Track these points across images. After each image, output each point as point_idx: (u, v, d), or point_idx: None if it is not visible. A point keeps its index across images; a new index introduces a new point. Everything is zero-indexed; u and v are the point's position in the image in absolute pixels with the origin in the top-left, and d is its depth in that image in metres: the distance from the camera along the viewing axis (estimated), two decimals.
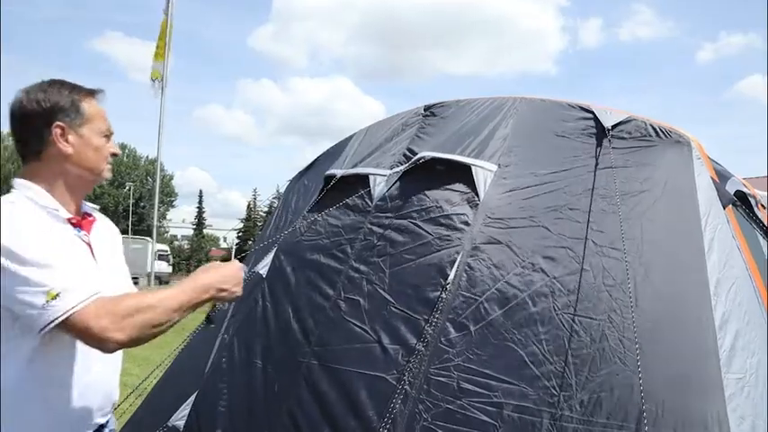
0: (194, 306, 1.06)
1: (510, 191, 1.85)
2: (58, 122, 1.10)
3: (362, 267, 1.90)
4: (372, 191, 2.06)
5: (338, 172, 2.21)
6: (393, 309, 1.77)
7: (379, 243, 1.92)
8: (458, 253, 1.76)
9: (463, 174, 1.91)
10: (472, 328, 1.62)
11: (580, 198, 1.74)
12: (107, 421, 1.19)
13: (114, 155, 1.20)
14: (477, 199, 1.85)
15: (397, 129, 2.32)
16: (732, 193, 1.79)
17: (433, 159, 1.96)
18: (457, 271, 1.72)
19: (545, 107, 2.05)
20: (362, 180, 2.11)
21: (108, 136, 1.18)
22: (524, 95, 2.10)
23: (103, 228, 1.23)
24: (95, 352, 1.01)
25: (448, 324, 1.65)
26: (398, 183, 2.04)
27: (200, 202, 40.63)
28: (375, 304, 1.81)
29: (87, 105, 1.14)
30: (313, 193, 2.32)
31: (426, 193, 1.94)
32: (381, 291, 1.82)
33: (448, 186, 1.92)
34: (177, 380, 1.99)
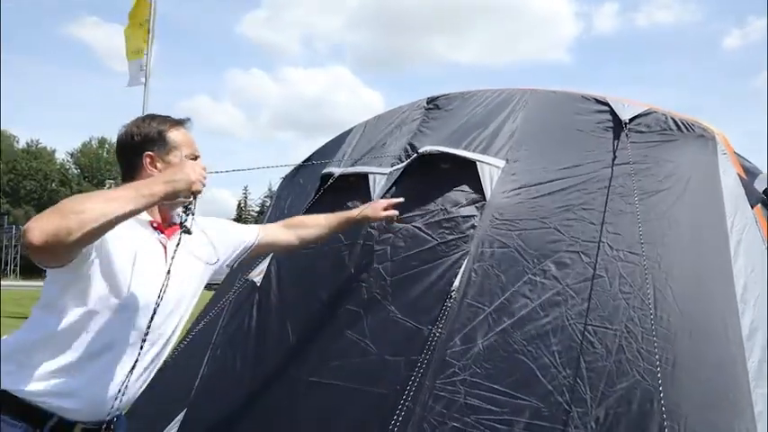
0: (142, 199, 1.11)
1: (519, 188, 1.85)
2: (148, 152, 1.35)
3: (362, 275, 1.90)
4: (372, 191, 2.07)
5: (336, 170, 2.21)
6: (395, 319, 1.77)
7: (379, 248, 1.92)
8: (464, 258, 1.76)
9: (469, 171, 1.91)
10: (479, 340, 1.62)
11: (595, 197, 1.73)
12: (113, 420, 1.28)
13: None
14: (483, 198, 1.85)
15: (398, 123, 2.33)
16: (761, 191, 1.79)
17: (437, 156, 1.96)
18: (462, 278, 1.72)
19: (557, 99, 2.05)
20: (362, 179, 2.11)
21: (194, 158, 1.39)
22: (534, 87, 2.10)
23: (194, 238, 1.36)
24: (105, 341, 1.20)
25: (453, 335, 1.65)
26: (400, 182, 2.05)
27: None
28: (376, 315, 1.81)
29: (174, 135, 1.39)
30: (309, 192, 2.32)
31: (430, 194, 1.94)
32: (382, 300, 1.82)
33: (452, 185, 1.92)
34: (164, 395, 2.01)
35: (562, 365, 1.52)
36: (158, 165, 1.34)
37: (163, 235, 1.34)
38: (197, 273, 1.42)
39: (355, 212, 1.85)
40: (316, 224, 1.80)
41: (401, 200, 1.92)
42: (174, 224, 1.37)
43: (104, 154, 40.21)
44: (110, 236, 1.16)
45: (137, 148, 1.35)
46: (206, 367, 2.09)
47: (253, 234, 1.62)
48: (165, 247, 1.32)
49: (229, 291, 2.16)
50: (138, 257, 1.26)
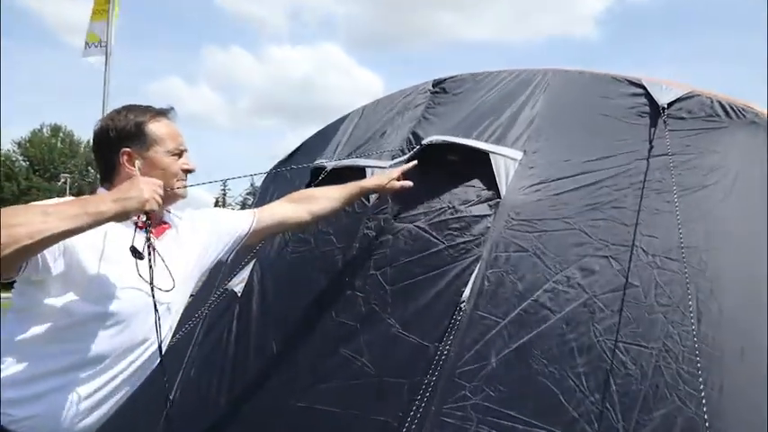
0: (86, 218, 1.13)
1: (538, 184, 1.84)
2: (125, 148, 1.37)
3: (358, 283, 1.89)
4: None
5: (328, 163, 2.20)
6: (396, 335, 1.75)
7: (377, 253, 1.91)
8: (475, 264, 1.75)
9: (481, 164, 1.90)
10: (493, 359, 1.60)
11: (627, 194, 1.71)
12: None
13: (188, 171, 1.45)
14: (497, 195, 1.84)
15: (399, 109, 2.31)
16: None
17: (444, 146, 1.94)
18: (474, 287, 1.71)
19: (584, 81, 2.03)
20: (358, 173, 2.09)
21: (178, 153, 1.43)
22: (557, 67, 2.08)
23: (182, 235, 1.47)
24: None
25: (463, 353, 1.64)
26: (401, 176, 1.98)
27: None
28: (374, 329, 1.79)
29: (154, 127, 1.40)
30: (297, 188, 2.23)
31: (436, 190, 1.92)
32: (381, 312, 1.80)
33: (462, 181, 1.91)
34: (130, 424, 1.99)
35: (589, 389, 1.49)
36: (137, 162, 1.36)
37: (151, 235, 1.36)
38: (188, 273, 1.46)
39: (368, 182, 1.92)
40: (326, 196, 1.83)
41: (415, 163, 1.92)
42: (165, 223, 1.44)
43: (58, 144, 39.13)
44: (81, 242, 1.20)
45: (113, 145, 1.37)
46: (177, 391, 2.08)
47: (246, 221, 1.66)
48: (155, 249, 1.34)
49: (205, 302, 2.16)
50: (122, 263, 1.27)
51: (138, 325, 1.32)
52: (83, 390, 1.27)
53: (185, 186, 1.46)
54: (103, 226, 1.17)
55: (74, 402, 1.26)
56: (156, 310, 1.26)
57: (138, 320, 1.31)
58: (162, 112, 1.44)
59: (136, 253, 1.22)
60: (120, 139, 1.37)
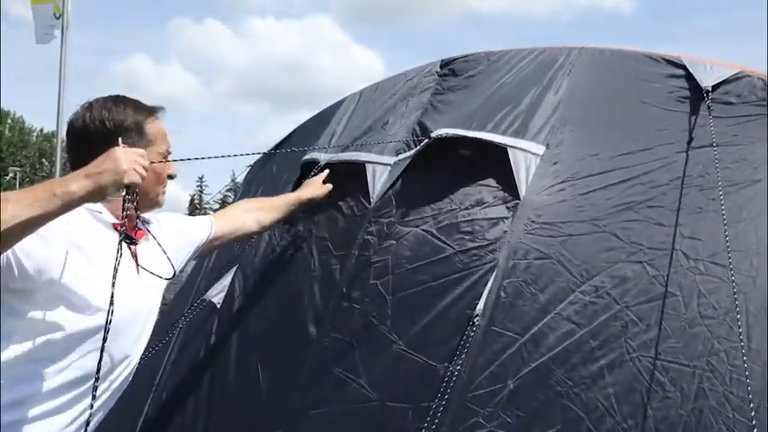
0: (55, 200, 1.13)
1: (563, 182, 1.84)
2: (124, 143, 1.35)
3: (355, 293, 1.88)
4: (371, 187, 2.06)
5: (321, 156, 2.20)
6: (399, 352, 1.75)
7: (378, 260, 1.90)
8: (490, 273, 1.74)
9: (497, 160, 1.89)
10: (510, 380, 1.61)
11: (665, 191, 1.72)
12: None
13: (171, 177, 1.53)
14: (516, 195, 1.84)
15: (403, 94, 2.30)
16: None
17: (454, 139, 1.94)
18: (489, 299, 1.71)
19: (615, 61, 2.03)
20: (356, 170, 2.11)
21: (166, 157, 1.50)
22: (585, 45, 2.09)
23: (154, 240, 1.51)
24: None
25: (476, 374, 1.64)
26: (406, 174, 2.02)
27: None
28: (373, 346, 1.79)
29: (150, 126, 1.46)
30: (285, 185, 2.32)
31: (445, 189, 1.92)
32: (382, 326, 1.80)
33: (475, 179, 1.91)
34: None
35: (622, 414, 1.50)
36: None
37: (137, 212, 1.42)
38: (160, 282, 1.51)
39: (305, 193, 2.08)
40: (273, 206, 1.99)
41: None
42: (140, 229, 1.48)
43: (6, 132, 39.12)
44: (62, 245, 1.23)
45: (109, 138, 1.37)
46: (146, 419, 2.07)
47: (205, 230, 1.76)
48: (135, 255, 1.41)
49: (180, 314, 2.16)
50: (102, 269, 1.28)
51: (125, 338, 1.37)
52: (64, 417, 1.29)
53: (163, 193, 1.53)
54: (84, 227, 1.19)
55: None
56: (111, 304, 1.22)
57: (126, 333, 1.36)
58: (155, 111, 1.50)
59: (129, 239, 1.26)
60: (118, 134, 1.39)
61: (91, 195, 1.17)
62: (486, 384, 1.62)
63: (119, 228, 1.27)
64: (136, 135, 1.43)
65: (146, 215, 1.55)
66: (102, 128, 1.41)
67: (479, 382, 1.63)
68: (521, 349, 1.63)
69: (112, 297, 1.20)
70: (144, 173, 1.25)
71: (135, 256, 1.43)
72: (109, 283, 1.23)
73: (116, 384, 1.40)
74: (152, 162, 1.38)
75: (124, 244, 1.26)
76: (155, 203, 1.53)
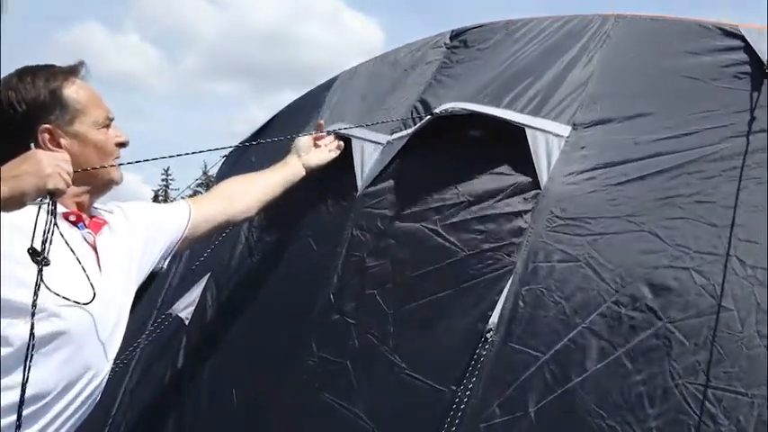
0: None
1: (592, 169, 1.75)
2: (44, 125, 1.33)
3: (348, 305, 1.83)
4: (357, 168, 2.02)
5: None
6: (401, 376, 1.71)
7: (374, 264, 1.86)
8: (506, 279, 1.68)
9: (513, 142, 1.81)
10: (531, 407, 1.54)
11: (717, 184, 1.62)
12: None
13: (121, 144, 1.46)
14: (536, 185, 1.77)
15: (406, 68, 2.24)
16: None
17: (463, 118, 1.87)
18: (504, 309, 1.65)
19: (657, 30, 1.94)
20: (343, 150, 2.07)
21: (107, 125, 1.43)
22: (622, 12, 2.00)
23: (117, 233, 1.47)
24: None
25: (491, 399, 1.58)
26: (403, 158, 1.97)
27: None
28: (370, 369, 1.76)
29: (72, 92, 1.38)
30: None
31: (451, 177, 1.86)
32: (381, 345, 1.77)
33: (488, 165, 1.84)
34: None
35: None
36: (62, 141, 1.35)
37: (87, 230, 1.38)
38: (132, 280, 1.48)
39: (310, 159, 2.00)
40: (266, 184, 1.91)
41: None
42: (96, 217, 1.43)
43: None
44: (17, 246, 1.18)
45: (25, 123, 1.32)
46: None
47: (181, 218, 1.68)
48: (96, 248, 1.37)
49: (142, 331, 2.11)
50: (59, 267, 1.23)
51: (89, 348, 1.32)
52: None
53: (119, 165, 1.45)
54: (27, 220, 1.14)
55: None
56: (32, 329, 1.15)
57: (90, 342, 1.31)
58: (73, 71, 1.40)
59: (36, 255, 1.16)
60: (34, 113, 1.33)
61: (10, 202, 1.12)
62: (503, 412, 1.56)
63: (45, 235, 1.19)
64: (57, 109, 1.35)
65: (111, 204, 1.50)
66: (14, 113, 1.33)
67: (494, 409, 1.57)
68: (542, 370, 1.56)
69: (34, 305, 1.14)
70: (69, 179, 1.19)
71: (95, 248, 1.37)
72: (67, 282, 1.22)
73: (75, 404, 1.33)
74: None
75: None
76: (109, 182, 1.45)
